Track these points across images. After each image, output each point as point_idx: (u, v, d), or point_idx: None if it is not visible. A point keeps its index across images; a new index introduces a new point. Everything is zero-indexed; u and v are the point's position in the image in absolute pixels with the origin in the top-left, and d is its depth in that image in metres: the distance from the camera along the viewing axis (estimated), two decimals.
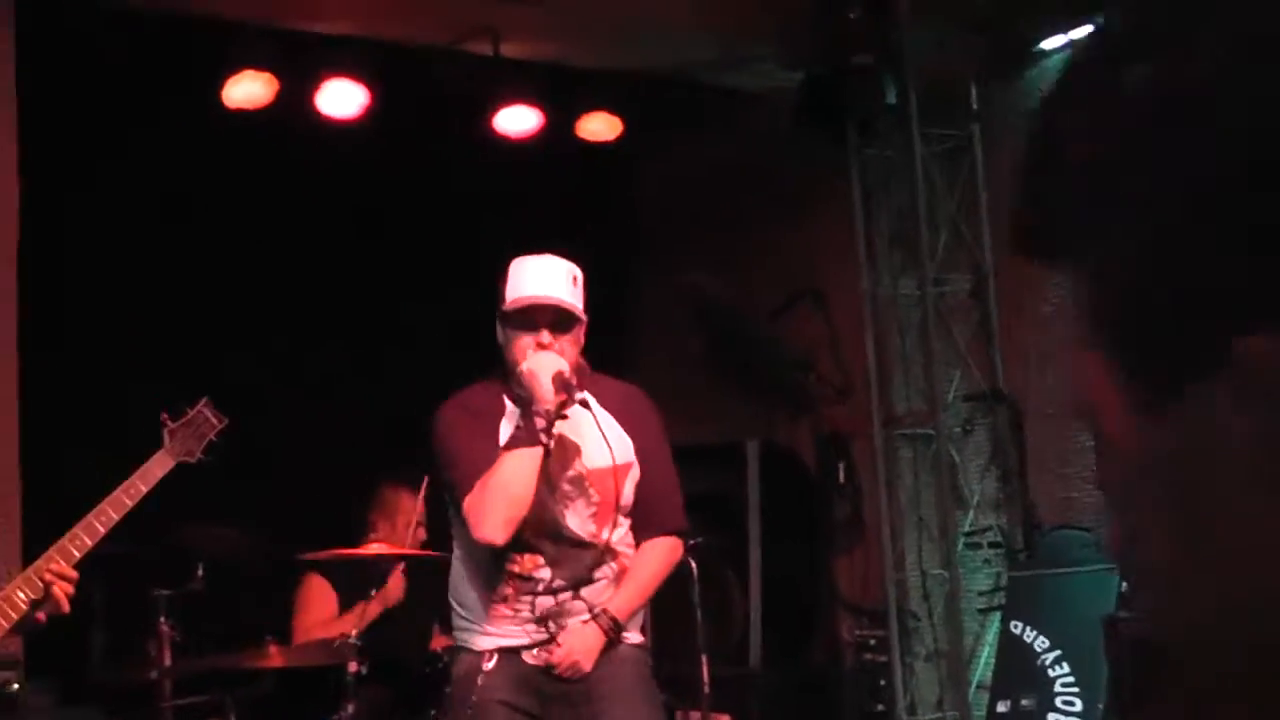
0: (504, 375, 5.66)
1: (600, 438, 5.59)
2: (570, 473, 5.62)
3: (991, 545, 9.60)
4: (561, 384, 5.37)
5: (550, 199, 9.55)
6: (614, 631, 5.58)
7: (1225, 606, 0.95)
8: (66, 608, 5.00)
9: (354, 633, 7.65)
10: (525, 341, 5.48)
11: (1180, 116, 0.94)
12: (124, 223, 8.76)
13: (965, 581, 9.60)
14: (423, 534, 8.35)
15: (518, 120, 9.22)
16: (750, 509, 9.56)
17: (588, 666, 5.49)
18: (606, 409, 5.67)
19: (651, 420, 5.81)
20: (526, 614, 5.55)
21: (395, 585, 8.19)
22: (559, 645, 5.54)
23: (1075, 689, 8.19)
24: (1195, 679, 0.99)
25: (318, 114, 8.79)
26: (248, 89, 8.59)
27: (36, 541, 5.29)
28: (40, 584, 4.87)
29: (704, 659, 6.87)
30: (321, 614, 8.11)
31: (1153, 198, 0.95)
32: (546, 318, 5.54)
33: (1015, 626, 8.60)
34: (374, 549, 7.76)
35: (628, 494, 5.65)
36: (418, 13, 8.74)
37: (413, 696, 7.67)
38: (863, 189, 9.83)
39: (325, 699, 7.31)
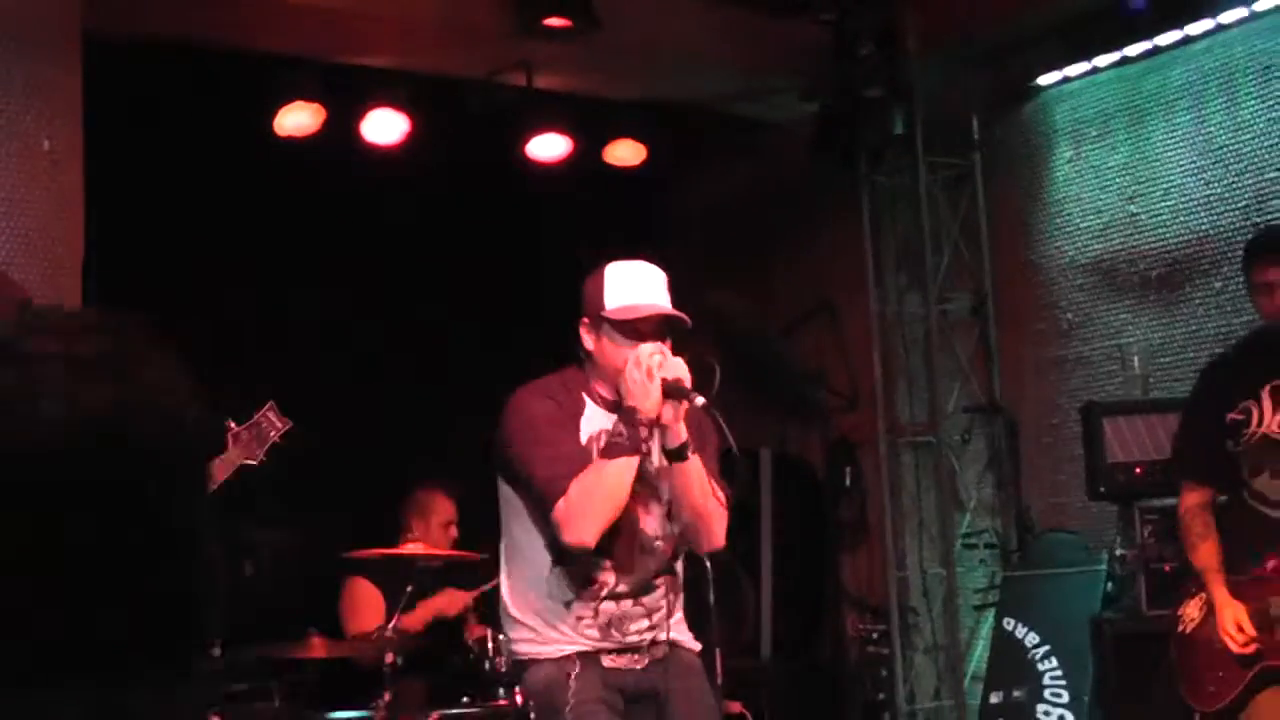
0: (582, 373, 5.24)
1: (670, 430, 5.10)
2: (646, 475, 5.17)
3: (987, 546, 9.62)
4: (676, 391, 4.94)
5: (578, 221, 9.57)
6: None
7: None
8: None
9: (414, 630, 7.76)
10: (630, 351, 5.00)
11: None
12: (185, 241, 8.75)
13: (962, 580, 9.63)
14: (455, 533, 8.44)
15: (548, 147, 9.23)
16: (763, 512, 9.59)
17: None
18: None
19: (710, 437, 5.23)
20: (589, 621, 5.15)
21: (453, 602, 8.25)
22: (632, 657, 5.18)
23: (1063, 682, 8.17)
24: None
25: (362, 141, 8.81)
26: (297, 118, 8.61)
27: None
28: None
29: (718, 651, 6.89)
30: (372, 613, 8.07)
31: None
32: (653, 326, 5.10)
33: (1008, 623, 8.59)
34: (410, 549, 7.83)
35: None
36: (456, 47, 8.78)
37: (447, 686, 7.71)
38: (872, 213, 9.86)
39: (364, 688, 7.37)
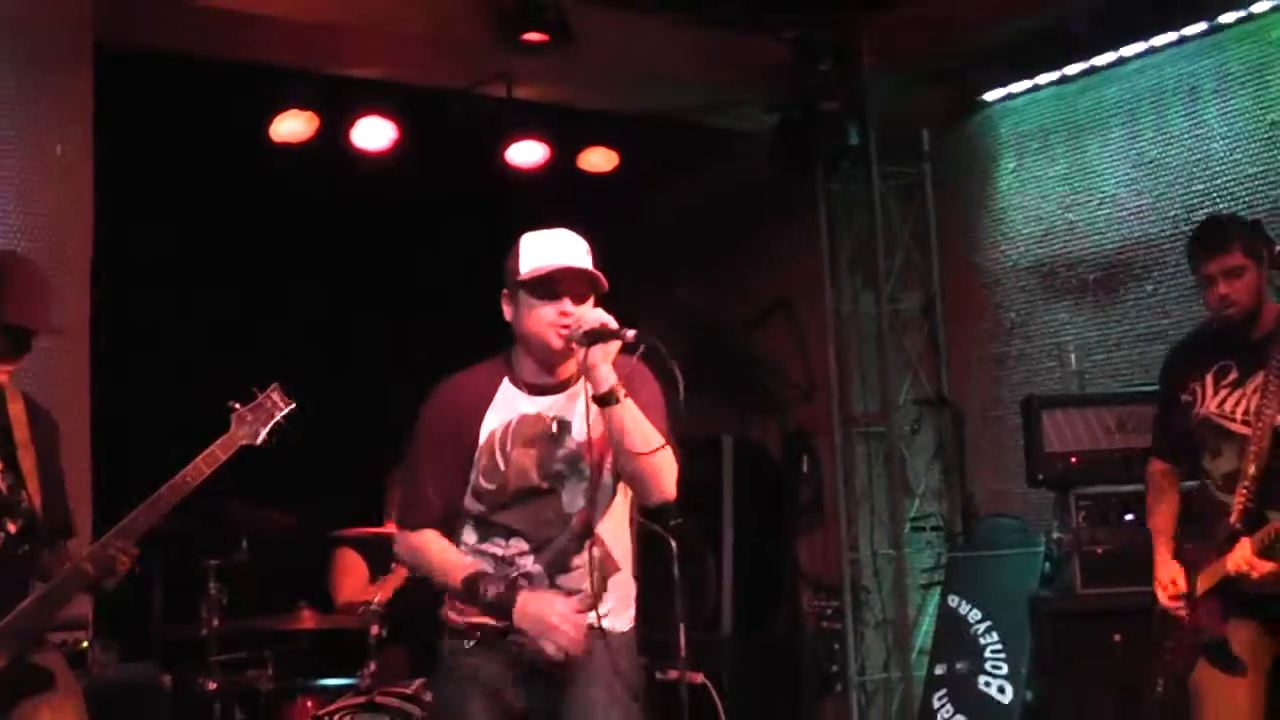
0: (508, 356, 4.85)
1: (593, 407, 4.66)
2: (562, 451, 4.72)
3: (934, 529, 9.66)
4: (602, 334, 4.53)
5: (554, 222, 9.57)
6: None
7: None
8: (124, 573, 4.89)
9: (379, 599, 7.79)
10: (545, 311, 4.65)
11: None
12: (187, 238, 8.79)
13: (910, 561, 9.67)
14: None
15: (527, 153, 9.24)
16: (725, 495, 9.56)
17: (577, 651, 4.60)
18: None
19: (647, 384, 4.74)
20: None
21: None
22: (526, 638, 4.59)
23: (1002, 655, 8.20)
24: None
25: (353, 147, 8.81)
26: (291, 125, 8.62)
27: (107, 520, 5.10)
28: (108, 557, 4.84)
29: (681, 626, 6.90)
30: (357, 581, 8.12)
31: None
32: (569, 286, 4.67)
33: (952, 600, 8.61)
34: (392, 527, 7.89)
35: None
36: (440, 60, 8.79)
37: (427, 655, 7.74)
38: (828, 218, 9.91)
39: (351, 657, 7.43)
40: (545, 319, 4.67)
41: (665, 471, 4.65)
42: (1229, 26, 8.13)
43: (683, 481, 4.71)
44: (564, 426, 4.74)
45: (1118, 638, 6.21)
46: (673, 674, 7.02)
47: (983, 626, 8.40)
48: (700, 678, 7.79)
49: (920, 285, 9.84)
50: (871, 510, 9.84)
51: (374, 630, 7.30)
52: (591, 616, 4.66)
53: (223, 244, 8.95)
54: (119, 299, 7.65)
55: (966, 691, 8.32)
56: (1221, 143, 8.15)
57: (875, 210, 9.72)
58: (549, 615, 4.54)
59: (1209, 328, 5.83)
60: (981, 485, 9.43)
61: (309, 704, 7.41)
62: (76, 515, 5.34)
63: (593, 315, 4.60)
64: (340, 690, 7.30)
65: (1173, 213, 8.32)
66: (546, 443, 4.72)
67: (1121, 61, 8.63)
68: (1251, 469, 5.48)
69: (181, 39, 8.08)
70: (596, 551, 4.72)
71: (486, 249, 9.56)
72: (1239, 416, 5.57)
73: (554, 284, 4.68)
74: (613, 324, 4.56)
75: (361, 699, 6.99)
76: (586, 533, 4.73)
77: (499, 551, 4.71)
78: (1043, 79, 9.05)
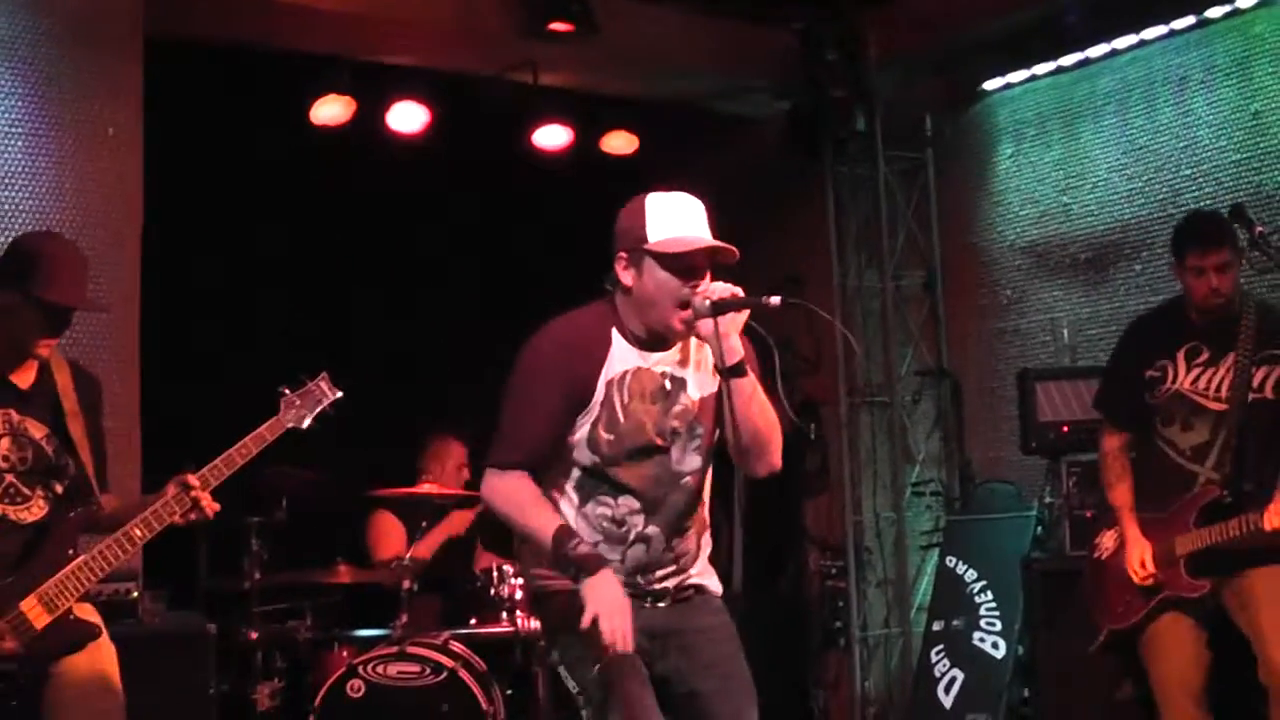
0: (612, 307, 4.46)
1: (703, 363, 4.46)
2: (678, 407, 4.42)
3: (933, 494, 9.67)
4: (735, 304, 4.26)
5: (577, 202, 9.54)
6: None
7: None
8: (211, 514, 4.92)
9: (422, 555, 7.85)
10: (675, 286, 4.28)
11: None
12: (231, 216, 8.79)
13: (910, 523, 9.69)
14: (468, 475, 8.52)
15: (551, 137, 9.23)
16: None
17: None
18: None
19: (749, 353, 4.43)
20: (616, 566, 4.34)
21: (460, 521, 8.36)
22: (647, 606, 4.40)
23: (996, 612, 8.26)
24: None
25: (388, 130, 8.81)
26: (331, 109, 8.61)
27: (150, 487, 5.14)
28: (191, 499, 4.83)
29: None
30: (394, 541, 8.20)
31: None
32: (702, 261, 4.36)
33: (950, 561, 8.66)
34: (426, 489, 7.93)
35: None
36: (471, 48, 8.78)
37: (456, 609, 7.77)
38: (835, 199, 9.88)
39: (384, 609, 7.48)
40: (674, 295, 4.31)
41: (777, 444, 4.47)
42: (1216, 21, 8.12)
43: None
44: (677, 383, 4.46)
45: None
46: None
47: (978, 586, 8.45)
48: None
49: (922, 263, 9.83)
50: (874, 476, 9.83)
51: (405, 584, 7.35)
52: (693, 578, 4.56)
53: (265, 220, 8.94)
54: (167, 270, 7.68)
55: (962, 646, 8.37)
56: (1207, 131, 8.14)
57: (880, 192, 9.72)
58: (618, 600, 4.19)
59: (1174, 308, 5.91)
60: (978, 453, 9.44)
61: (344, 653, 7.45)
62: (126, 480, 5.34)
63: (720, 286, 4.33)
64: (374, 640, 7.34)
65: (1161, 197, 8.32)
66: (662, 400, 4.42)
67: (1114, 53, 8.62)
68: (1233, 441, 5.58)
69: (227, 28, 8.08)
70: (703, 513, 4.58)
71: (512, 225, 9.69)
72: (1211, 393, 5.68)
73: (690, 261, 4.34)
74: (741, 293, 4.30)
75: (394, 649, 7.04)
76: (699, 494, 4.55)
77: (608, 511, 4.42)
78: (1039, 69, 9.04)
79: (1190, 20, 8.19)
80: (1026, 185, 9.16)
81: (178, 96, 7.82)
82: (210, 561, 7.60)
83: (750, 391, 4.33)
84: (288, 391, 5.26)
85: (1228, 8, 8.01)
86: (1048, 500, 8.07)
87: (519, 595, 7.44)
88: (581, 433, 4.41)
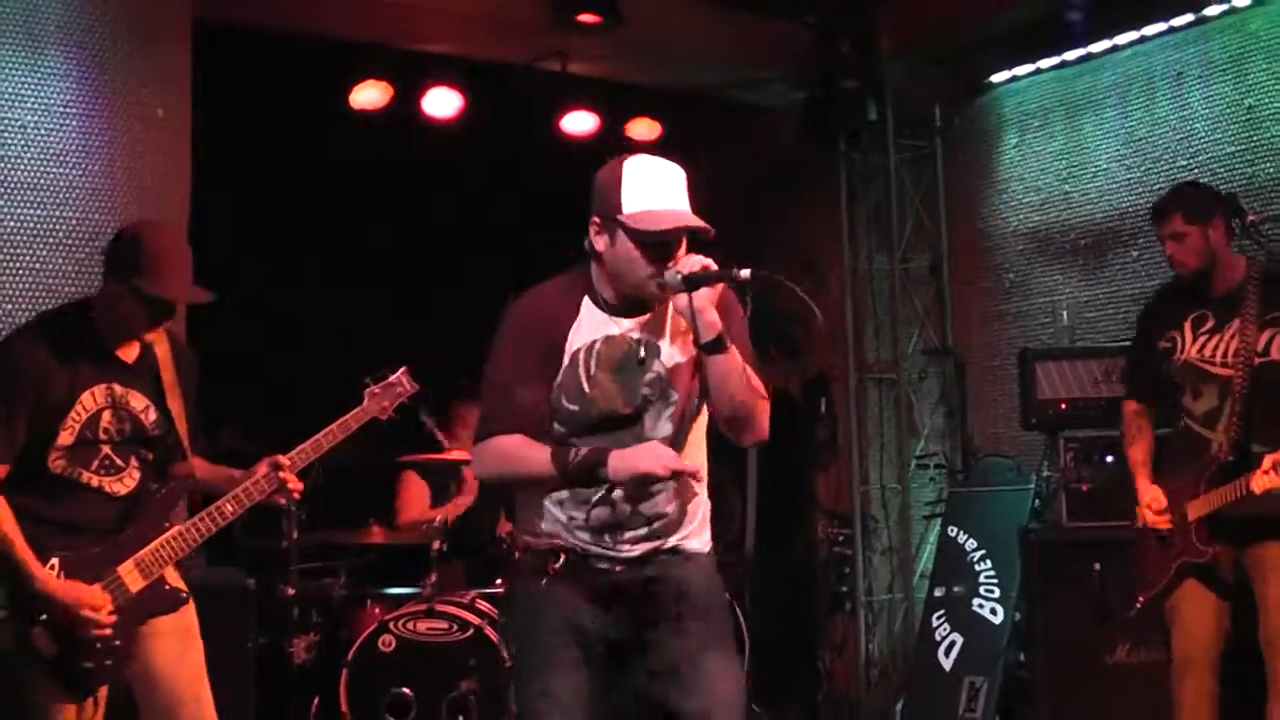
0: (585, 274, 4.19)
1: (678, 329, 4.14)
2: (650, 374, 4.11)
3: (936, 467, 9.67)
4: (708, 277, 3.93)
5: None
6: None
7: None
8: (297, 495, 5.08)
9: (449, 517, 7.87)
10: (645, 264, 4.00)
11: None
12: (274, 195, 8.78)
13: (914, 494, 9.72)
14: None
15: (579, 123, 9.28)
16: None
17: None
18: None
19: (735, 314, 4.12)
20: (579, 523, 4.11)
21: (474, 484, 8.39)
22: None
23: (995, 580, 8.24)
24: None
25: (424, 115, 8.84)
26: (369, 95, 8.65)
27: None
28: (244, 498, 4.91)
29: (711, 548, 6.91)
30: (420, 503, 8.25)
31: None
32: (676, 239, 4.04)
33: (951, 530, 8.64)
34: (454, 455, 7.96)
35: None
36: (503, 37, 8.77)
37: (481, 570, 7.80)
38: (848, 185, 9.89)
39: (414, 569, 7.51)
40: (645, 271, 4.03)
41: (762, 414, 4.11)
42: (1213, 19, 8.08)
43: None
44: (651, 350, 4.14)
45: (1097, 566, 6.21)
46: None
47: (978, 554, 8.43)
48: (725, 595, 7.82)
49: (929, 247, 9.81)
50: (881, 448, 9.84)
51: (435, 545, 7.38)
52: (671, 541, 4.14)
53: (306, 198, 8.93)
54: (215, 249, 7.67)
55: (962, 612, 8.35)
56: (1203, 124, 8.11)
57: (890, 179, 9.72)
58: (641, 453, 3.94)
59: (1179, 282, 5.91)
60: (980, 428, 9.42)
61: (376, 610, 7.49)
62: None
63: (693, 259, 3.99)
64: (404, 598, 7.40)
65: (1158, 186, 8.21)
66: (633, 367, 4.11)
67: (1115, 49, 8.58)
68: (1238, 406, 5.56)
69: (272, 16, 8.10)
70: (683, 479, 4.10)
71: (540, 207, 9.66)
72: (1218, 360, 5.66)
73: (662, 238, 4.02)
74: (713, 266, 3.96)
75: (423, 606, 7.09)
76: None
77: None
78: (1044, 63, 9.01)
79: (1189, 18, 8.15)
80: (1030, 174, 9.13)
81: (225, 81, 7.82)
82: (250, 521, 7.61)
83: (729, 366, 4.00)
84: (370, 383, 5.29)
85: (1224, 6, 7.98)
86: (1046, 474, 8.05)
87: None
88: (551, 401, 4.14)
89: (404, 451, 7.80)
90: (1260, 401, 5.59)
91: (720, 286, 3.98)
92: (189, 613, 4.95)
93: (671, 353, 4.15)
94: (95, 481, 4.77)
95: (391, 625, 7.05)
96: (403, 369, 5.40)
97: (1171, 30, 8.28)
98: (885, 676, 9.61)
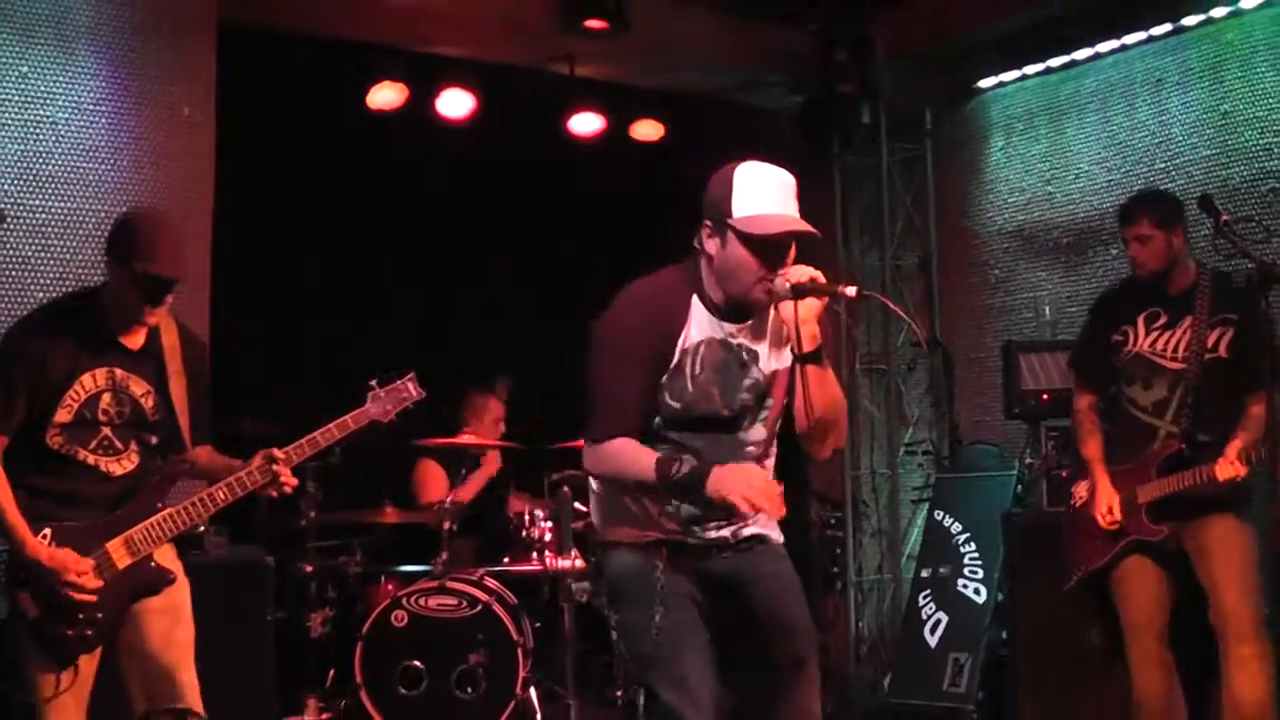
0: (693, 272, 4.12)
1: (778, 337, 4.14)
2: (749, 380, 4.10)
3: (924, 454, 9.67)
4: (815, 289, 3.92)
5: (608, 183, 9.55)
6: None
7: None
8: (289, 489, 4.95)
9: (462, 498, 7.87)
10: (756, 267, 3.97)
11: None
12: (294, 191, 8.72)
13: (903, 480, 9.74)
14: (503, 428, 8.55)
15: (585, 123, 9.24)
16: None
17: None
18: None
19: (824, 334, 4.09)
20: (670, 514, 4.09)
21: (492, 463, 8.41)
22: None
23: (979, 561, 8.25)
24: None
25: (438, 115, 8.80)
26: (385, 95, 8.61)
27: None
28: (243, 482, 4.83)
29: None
30: (437, 486, 8.25)
31: None
32: (787, 242, 4.02)
33: (938, 514, 8.66)
34: (467, 439, 7.96)
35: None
36: (514, 41, 8.76)
37: (491, 548, 7.82)
38: (842, 185, 9.89)
39: (426, 547, 7.51)
40: (755, 274, 3.99)
41: (843, 427, 4.17)
42: (1190, 29, 8.06)
43: None
44: (752, 356, 4.12)
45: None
46: None
47: (963, 537, 8.45)
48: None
49: (919, 245, 9.81)
50: (872, 435, 9.86)
51: (446, 525, 7.38)
52: (754, 528, 4.20)
53: (325, 195, 8.89)
54: (237, 241, 7.68)
55: (947, 592, 8.36)
56: (1181, 128, 8.10)
57: (882, 179, 9.73)
58: (743, 475, 3.87)
59: (1133, 280, 5.97)
60: (966, 417, 9.37)
61: (390, 586, 7.50)
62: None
63: (802, 270, 3.96)
64: (416, 575, 7.40)
65: (1137, 188, 8.15)
66: (734, 371, 4.09)
67: (1097, 56, 8.56)
68: (1189, 398, 5.68)
69: (293, 19, 8.09)
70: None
71: (549, 202, 9.66)
72: (1169, 354, 5.75)
73: (772, 242, 3.98)
74: (821, 279, 3.94)
75: (434, 583, 7.11)
76: (760, 461, 4.18)
77: None
78: (1029, 69, 8.98)
79: (1167, 27, 8.14)
80: (1015, 175, 9.12)
81: (247, 81, 7.79)
82: (269, 501, 7.60)
83: (825, 377, 4.03)
84: (375, 385, 5.16)
85: (1202, 16, 7.96)
86: (1028, 461, 8.03)
87: (548, 537, 7.50)
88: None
89: (420, 436, 7.79)
90: (1208, 393, 5.70)
91: (824, 300, 3.96)
92: (179, 592, 4.89)
93: (770, 359, 4.14)
94: (93, 460, 4.77)
95: (404, 601, 7.07)
96: (410, 374, 5.24)
97: (1151, 39, 8.26)
98: (874, 653, 9.61)
